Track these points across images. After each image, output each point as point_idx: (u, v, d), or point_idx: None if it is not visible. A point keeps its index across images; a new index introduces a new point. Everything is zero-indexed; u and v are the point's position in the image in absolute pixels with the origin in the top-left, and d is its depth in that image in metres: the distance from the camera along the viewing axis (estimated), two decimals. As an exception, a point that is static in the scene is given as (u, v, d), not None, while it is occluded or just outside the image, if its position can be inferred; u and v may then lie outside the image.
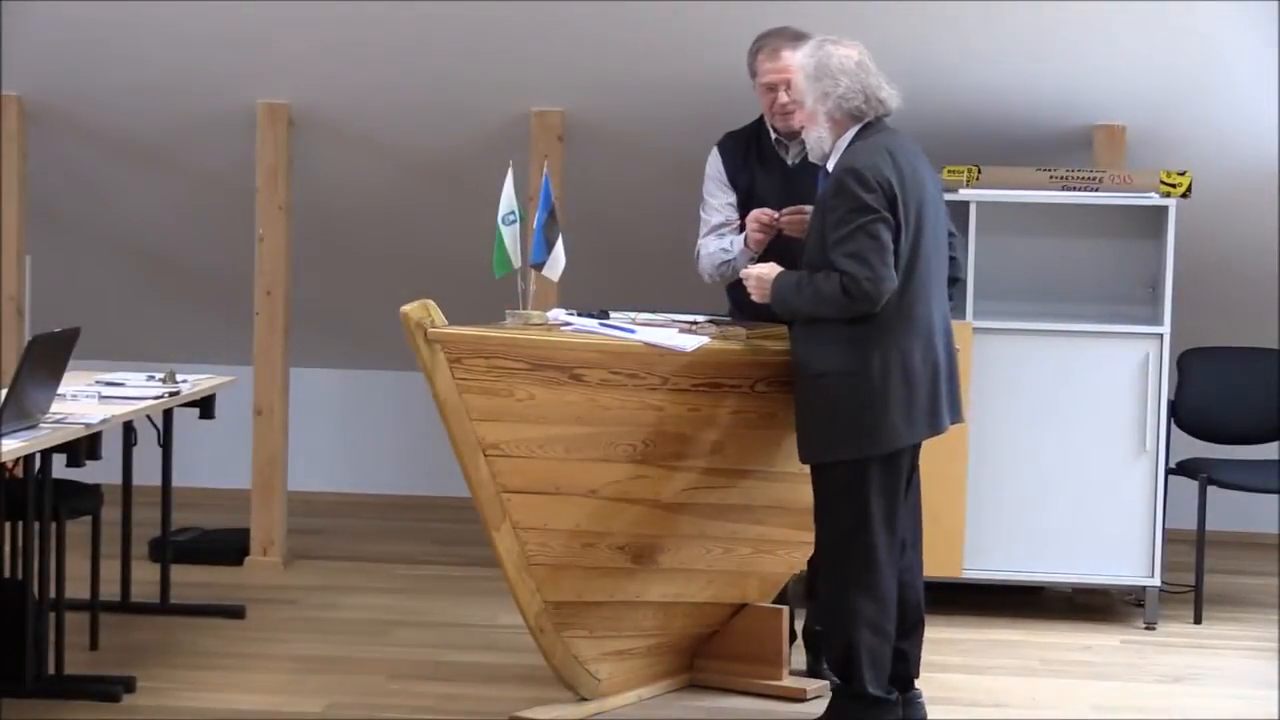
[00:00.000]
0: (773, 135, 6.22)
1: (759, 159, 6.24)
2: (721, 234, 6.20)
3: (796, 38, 6.03)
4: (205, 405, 6.73)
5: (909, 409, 5.39)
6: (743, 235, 6.11)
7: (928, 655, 5.83)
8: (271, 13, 7.15)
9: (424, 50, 7.29)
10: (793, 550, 5.96)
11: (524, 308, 5.73)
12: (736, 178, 6.25)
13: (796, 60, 5.58)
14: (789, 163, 6.21)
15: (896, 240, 5.33)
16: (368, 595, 7.26)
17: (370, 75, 7.42)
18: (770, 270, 5.58)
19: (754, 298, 5.65)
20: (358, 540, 8.23)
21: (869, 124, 5.48)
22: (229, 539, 7.86)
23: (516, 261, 5.71)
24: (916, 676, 5.72)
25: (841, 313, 5.33)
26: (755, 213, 6.03)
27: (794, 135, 6.18)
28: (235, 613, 6.86)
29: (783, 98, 6.11)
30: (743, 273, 5.71)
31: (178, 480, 7.01)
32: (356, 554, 7.97)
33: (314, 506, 8.56)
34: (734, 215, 6.22)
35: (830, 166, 5.50)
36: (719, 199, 6.27)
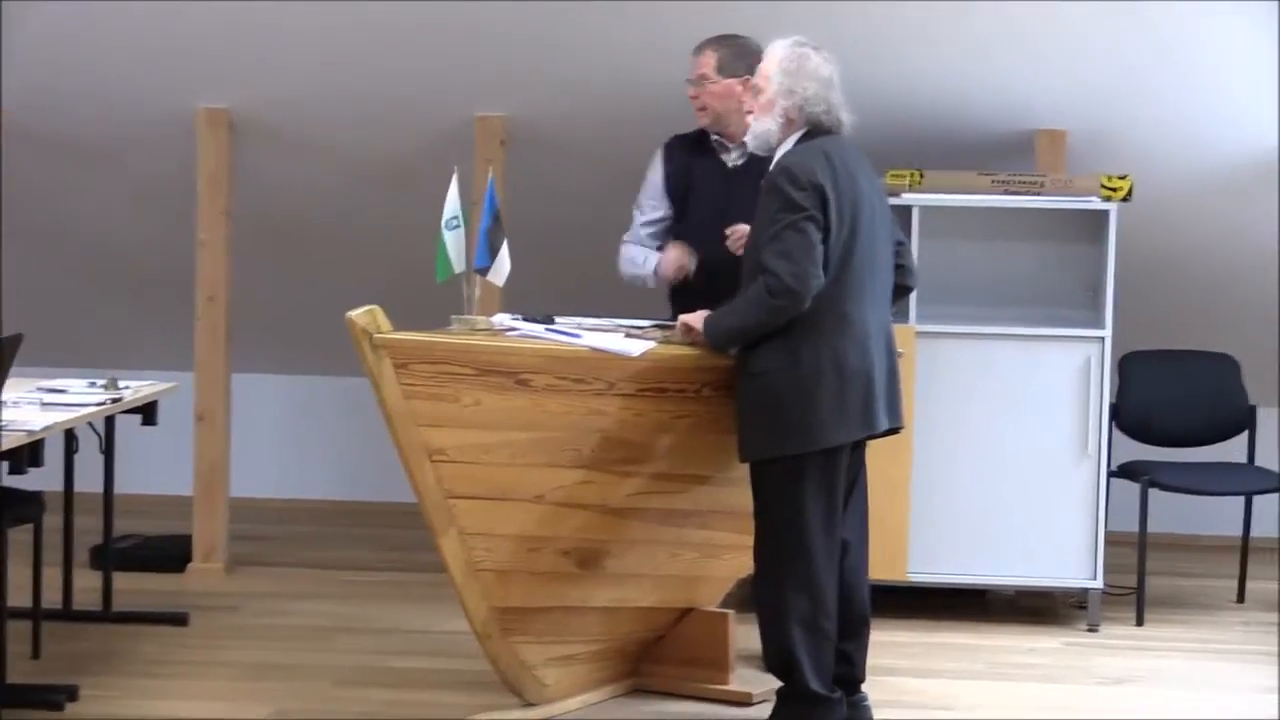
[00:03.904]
0: (714, 137, 6.29)
1: (702, 161, 6.32)
2: (641, 240, 6.45)
3: (721, 40, 6.26)
4: (148, 411, 6.69)
5: (841, 407, 5.41)
6: (657, 257, 6.33)
7: (873, 658, 5.84)
8: (211, 17, 7.12)
9: (366, 54, 7.27)
10: (739, 554, 5.95)
11: (469, 313, 5.72)
12: (677, 179, 6.40)
13: (772, 49, 5.60)
14: (729, 165, 6.26)
15: (826, 240, 5.36)
16: (312, 601, 7.24)
17: (312, 80, 7.39)
18: (695, 317, 5.63)
19: (684, 339, 5.68)
20: (301, 546, 8.20)
21: (816, 131, 5.50)
22: (171, 546, 7.83)
23: (458, 267, 5.70)
24: (862, 680, 5.73)
25: (770, 315, 5.35)
26: (675, 255, 6.18)
27: (733, 138, 6.24)
28: (178, 620, 6.82)
29: (690, 91, 6.21)
30: (678, 325, 5.74)
31: (119, 487, 6.97)
32: (300, 560, 7.94)
33: (257, 513, 8.54)
34: (661, 224, 6.44)
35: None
36: (648, 205, 6.48)
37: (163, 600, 7.12)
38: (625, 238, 6.50)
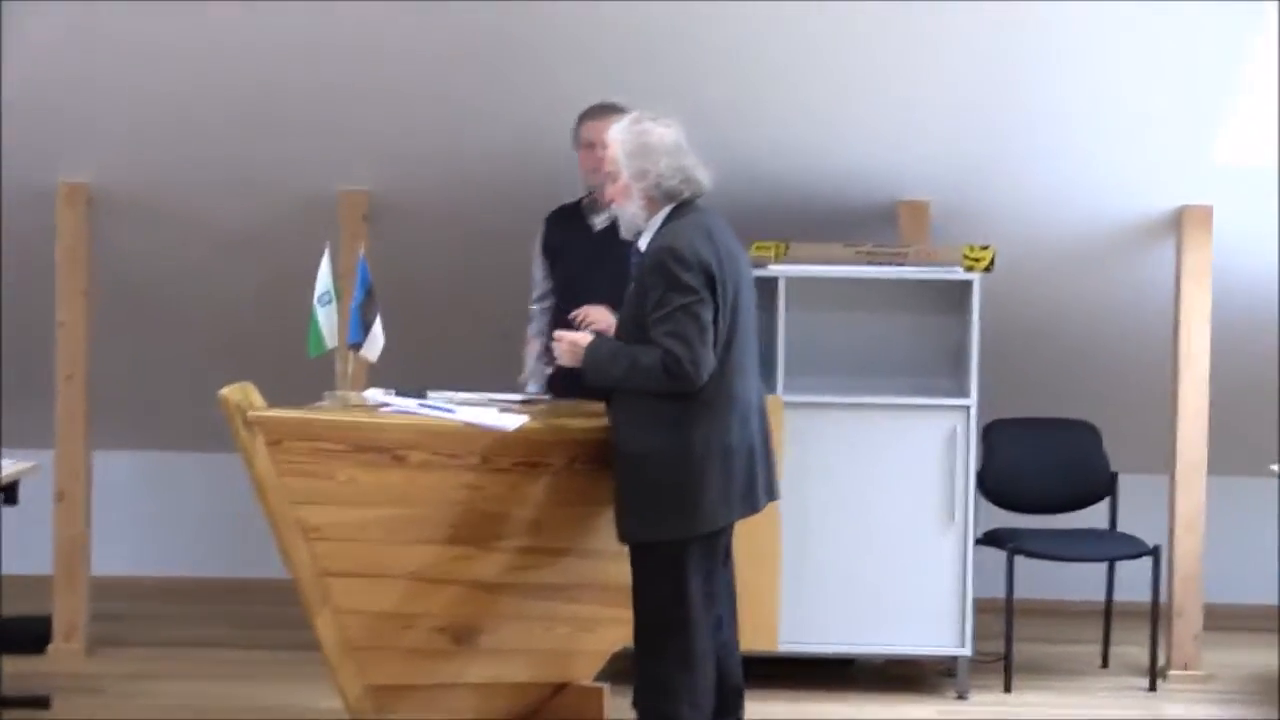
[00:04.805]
0: (585, 200, 6.35)
1: (571, 227, 6.45)
2: (535, 318, 6.69)
3: (618, 110, 6.14)
4: (8, 491, 6.57)
5: (727, 490, 5.41)
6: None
7: (748, 730, 5.85)
8: (70, 90, 7.03)
9: (226, 127, 7.20)
10: (614, 628, 5.93)
11: (341, 389, 5.68)
12: (551, 245, 6.65)
13: (613, 134, 5.55)
14: (596, 228, 6.29)
15: (716, 320, 5.35)
16: (177, 682, 7.13)
17: (172, 153, 7.32)
18: (583, 337, 5.59)
19: (563, 361, 5.67)
20: (165, 625, 8.08)
21: (683, 203, 5.49)
22: (29, 626, 7.67)
23: (331, 342, 5.67)
24: (738, 753, 5.73)
25: (658, 387, 5.34)
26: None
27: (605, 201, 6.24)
28: (40, 703, 6.69)
29: (597, 153, 6.17)
30: (556, 334, 5.71)
31: (-22, 568, 6.86)
32: (164, 639, 7.82)
33: (118, 591, 8.38)
34: (548, 289, 6.70)
35: (643, 244, 5.51)
36: (537, 277, 6.76)
37: (23, 683, 6.97)
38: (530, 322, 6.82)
